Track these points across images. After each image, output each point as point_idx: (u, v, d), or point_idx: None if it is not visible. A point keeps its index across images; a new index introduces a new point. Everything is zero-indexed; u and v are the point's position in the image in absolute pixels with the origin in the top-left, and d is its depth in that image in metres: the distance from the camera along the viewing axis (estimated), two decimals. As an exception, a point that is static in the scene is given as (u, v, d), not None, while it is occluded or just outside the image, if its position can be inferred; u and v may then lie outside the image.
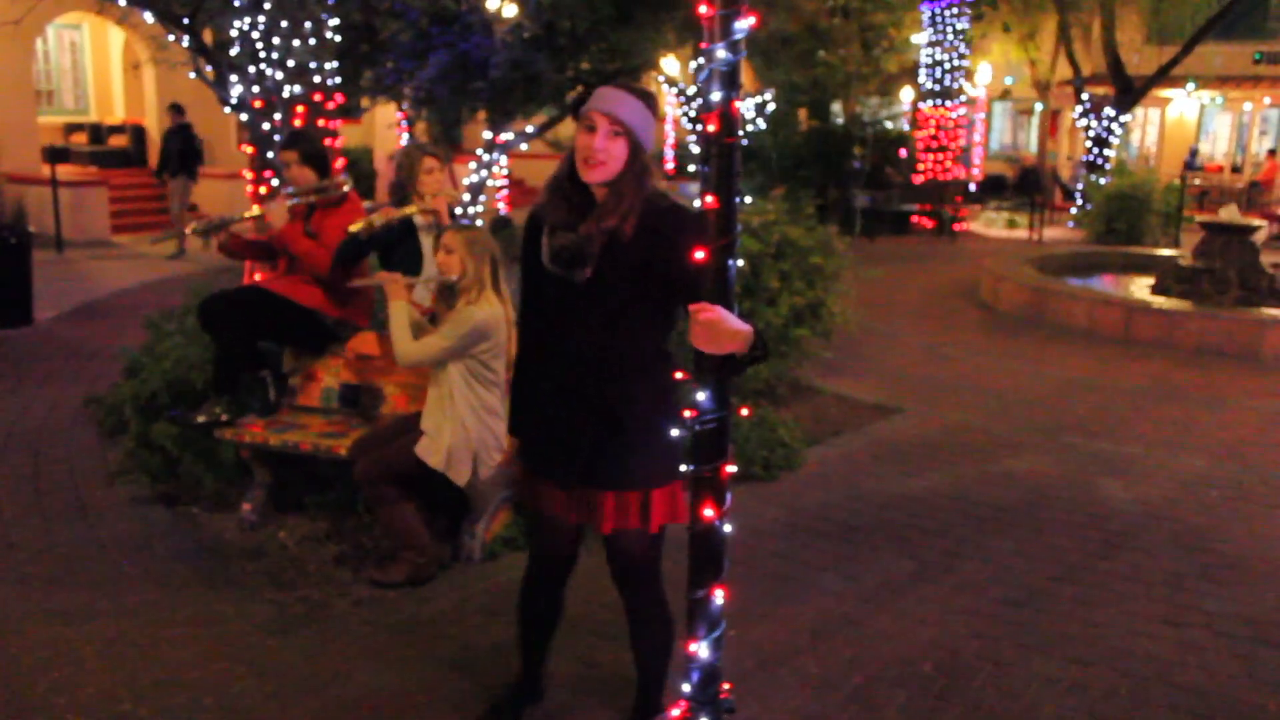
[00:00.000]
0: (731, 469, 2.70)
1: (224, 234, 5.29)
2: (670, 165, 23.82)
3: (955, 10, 18.00)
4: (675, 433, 2.99)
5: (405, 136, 19.34)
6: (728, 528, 2.74)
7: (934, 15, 18.19)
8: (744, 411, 3.07)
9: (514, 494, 4.38)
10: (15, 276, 9.50)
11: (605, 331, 2.95)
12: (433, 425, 4.39)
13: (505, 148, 11.61)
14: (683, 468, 2.78)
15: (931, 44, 18.47)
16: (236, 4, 6.71)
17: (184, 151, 14.80)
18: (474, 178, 10.68)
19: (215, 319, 5.15)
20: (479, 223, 6.63)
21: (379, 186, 18.09)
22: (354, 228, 4.76)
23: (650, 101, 2.93)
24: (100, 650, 3.99)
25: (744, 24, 2.51)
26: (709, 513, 2.68)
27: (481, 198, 11.36)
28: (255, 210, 5.32)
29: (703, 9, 2.51)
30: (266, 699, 3.69)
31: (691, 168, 15.08)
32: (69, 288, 11.45)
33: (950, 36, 18.17)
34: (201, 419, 5.12)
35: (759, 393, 7.18)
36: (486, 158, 11.11)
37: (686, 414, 2.68)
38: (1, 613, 4.29)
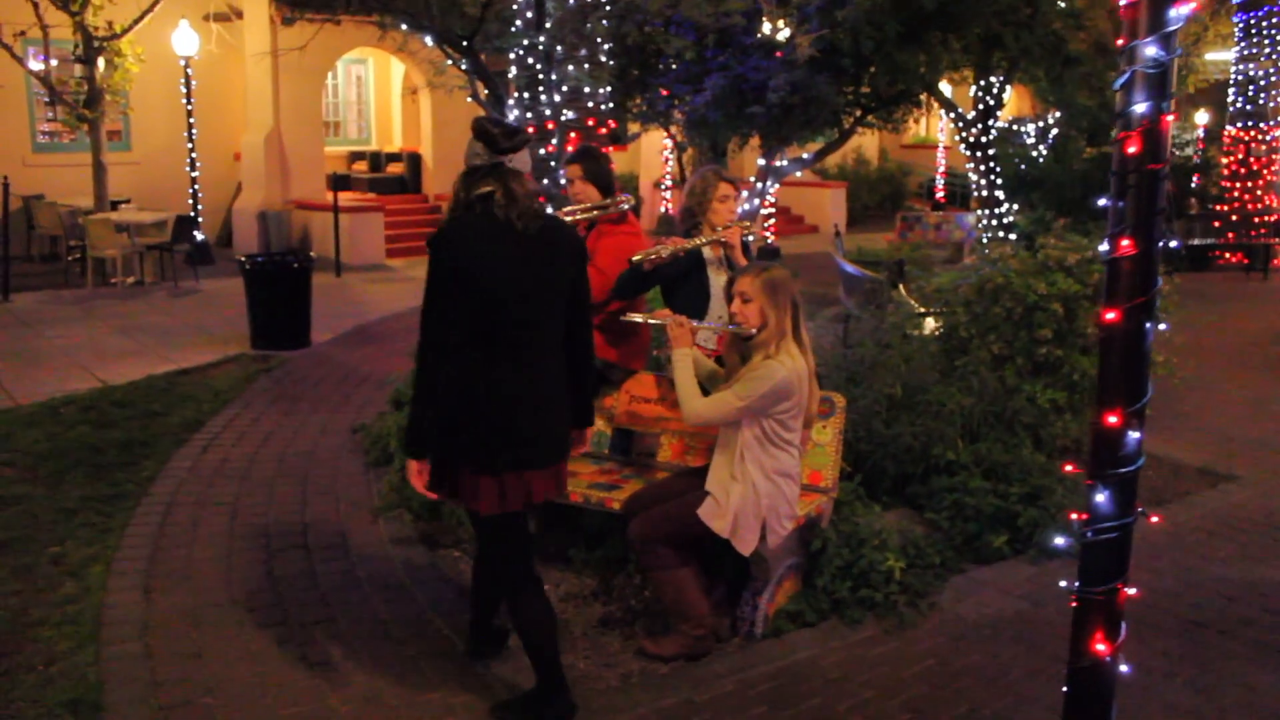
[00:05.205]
0: (1131, 592, 2.06)
1: None
2: (940, 194, 22.66)
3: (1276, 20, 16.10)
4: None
5: (671, 163, 19.23)
6: (1123, 667, 2.10)
7: (1248, 26, 16.34)
8: (1154, 519, 2.39)
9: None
10: (296, 301, 9.79)
11: None
12: (720, 488, 3.89)
13: (780, 174, 11.10)
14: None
15: (1244, 58, 16.61)
16: (516, 27, 6.54)
17: None
18: (746, 205, 10.25)
19: None
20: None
21: (643, 214, 18.03)
22: (638, 257, 4.32)
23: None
24: (355, 713, 3.72)
25: (1181, 11, 1.89)
26: (1100, 647, 2.05)
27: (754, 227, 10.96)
28: None
29: (1123, -5, 1.91)
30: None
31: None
32: (344, 311, 11.77)
33: (1268, 49, 16.27)
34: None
35: (1065, 450, 6.34)
36: (759, 185, 10.67)
37: (1074, 517, 2.07)
38: (263, 655, 4.12)
